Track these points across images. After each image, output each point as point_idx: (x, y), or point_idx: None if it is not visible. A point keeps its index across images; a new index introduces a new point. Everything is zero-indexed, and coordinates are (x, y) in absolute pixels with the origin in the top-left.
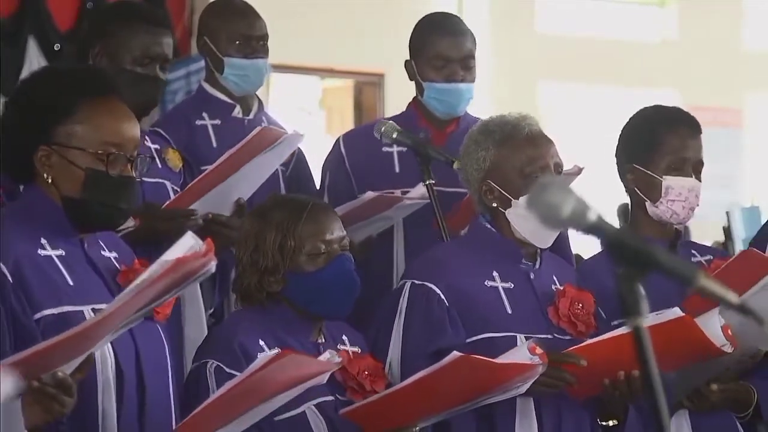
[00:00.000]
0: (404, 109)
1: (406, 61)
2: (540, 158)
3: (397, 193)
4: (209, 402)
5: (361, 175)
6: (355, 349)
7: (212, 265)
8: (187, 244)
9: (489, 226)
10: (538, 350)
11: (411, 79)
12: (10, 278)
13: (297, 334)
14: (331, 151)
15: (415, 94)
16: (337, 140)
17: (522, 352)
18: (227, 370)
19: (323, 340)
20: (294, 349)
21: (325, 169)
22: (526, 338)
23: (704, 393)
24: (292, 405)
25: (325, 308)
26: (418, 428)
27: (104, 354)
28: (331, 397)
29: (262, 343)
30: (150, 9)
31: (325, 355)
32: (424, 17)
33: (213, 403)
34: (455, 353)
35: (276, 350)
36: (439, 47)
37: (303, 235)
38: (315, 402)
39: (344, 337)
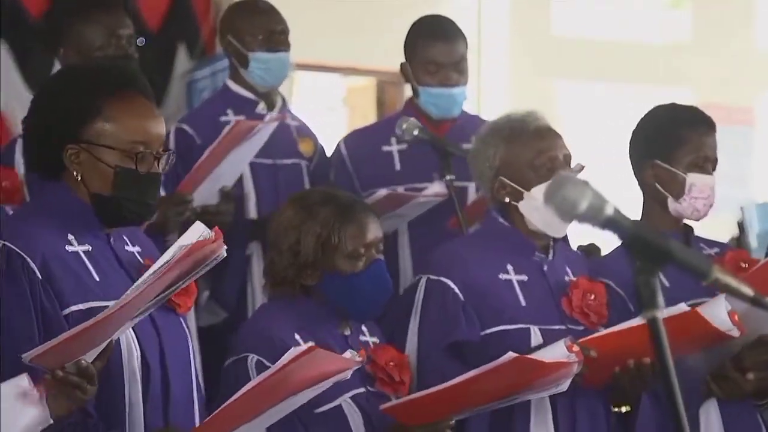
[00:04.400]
0: (401, 109)
1: (402, 63)
2: (549, 150)
3: (400, 189)
4: (235, 398)
5: (362, 174)
6: (375, 339)
7: (223, 251)
8: (198, 231)
9: (502, 220)
10: (575, 348)
11: (406, 81)
12: (39, 274)
13: (327, 325)
14: (332, 154)
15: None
16: (338, 143)
17: (559, 350)
18: (267, 364)
19: (349, 332)
20: (324, 343)
21: (329, 171)
22: (540, 330)
23: (739, 382)
24: (329, 398)
25: (357, 309)
26: (453, 421)
27: (130, 346)
28: (363, 389)
29: (297, 336)
30: None
31: (347, 354)
32: (416, 21)
33: (239, 399)
34: (510, 354)
35: (310, 344)
36: (432, 53)
37: (347, 235)
38: (350, 394)
39: (363, 328)
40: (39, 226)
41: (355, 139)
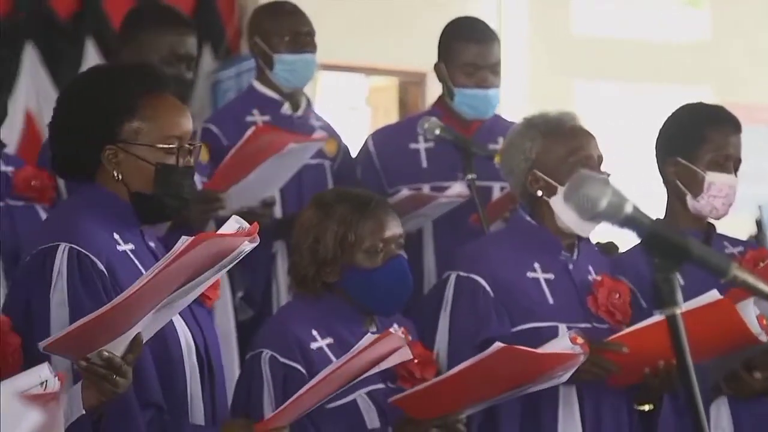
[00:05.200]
0: (428, 109)
1: (436, 64)
2: (584, 149)
3: (425, 189)
4: (311, 385)
5: (389, 171)
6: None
7: (248, 245)
8: (233, 226)
9: (529, 218)
10: (580, 340)
11: (440, 81)
12: (107, 274)
13: (349, 323)
14: (360, 149)
15: (439, 95)
16: (366, 139)
17: (564, 342)
18: (281, 360)
19: (375, 330)
20: (344, 341)
21: (355, 167)
22: (568, 328)
23: (747, 381)
24: (344, 393)
25: (377, 305)
26: (464, 415)
27: (188, 341)
28: (381, 385)
29: (314, 333)
30: (175, 11)
31: (392, 329)
32: (451, 22)
33: (314, 386)
34: (498, 344)
35: (328, 340)
36: (470, 55)
37: (364, 231)
38: (366, 390)
39: (395, 326)
40: (93, 227)
41: (382, 135)
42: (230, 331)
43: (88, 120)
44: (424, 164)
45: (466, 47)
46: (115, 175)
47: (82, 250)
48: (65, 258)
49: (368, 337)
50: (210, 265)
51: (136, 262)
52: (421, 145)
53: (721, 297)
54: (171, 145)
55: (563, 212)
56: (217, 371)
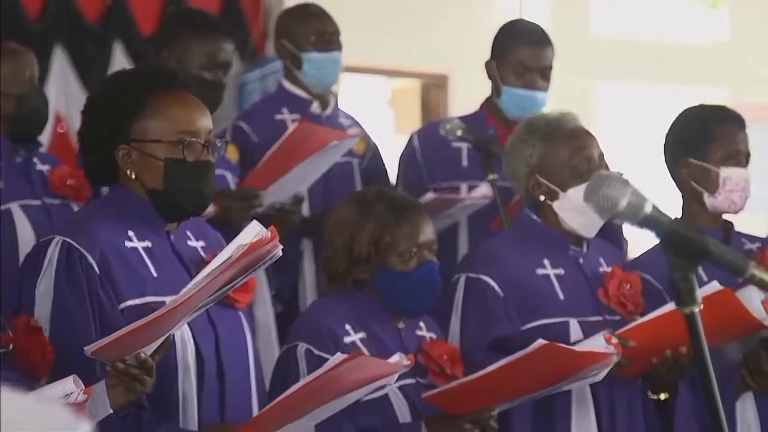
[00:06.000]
0: (477, 108)
1: (487, 61)
2: (584, 150)
3: (463, 188)
4: (278, 401)
5: (431, 167)
6: (432, 334)
7: (279, 250)
8: (254, 230)
9: (535, 217)
10: (614, 340)
11: (490, 79)
12: (97, 269)
13: (380, 319)
14: (406, 146)
15: (488, 95)
16: (412, 135)
17: (598, 341)
18: (316, 352)
19: (404, 326)
20: (376, 336)
21: (400, 162)
22: (579, 322)
23: None
24: (377, 386)
25: (405, 307)
26: (496, 411)
27: (184, 339)
28: (412, 380)
29: (348, 327)
30: (216, 19)
31: (395, 357)
32: (510, 22)
33: (284, 399)
34: (540, 341)
35: (361, 334)
36: (524, 55)
37: (400, 234)
38: (398, 384)
39: (421, 324)
40: (100, 223)
41: (427, 132)
42: (270, 326)
43: (101, 123)
44: (465, 163)
45: (520, 47)
46: (129, 173)
47: (74, 243)
48: (57, 250)
49: (337, 357)
50: (246, 270)
51: (147, 260)
52: (464, 144)
53: (721, 288)
54: (180, 139)
55: (567, 215)
56: (230, 373)
